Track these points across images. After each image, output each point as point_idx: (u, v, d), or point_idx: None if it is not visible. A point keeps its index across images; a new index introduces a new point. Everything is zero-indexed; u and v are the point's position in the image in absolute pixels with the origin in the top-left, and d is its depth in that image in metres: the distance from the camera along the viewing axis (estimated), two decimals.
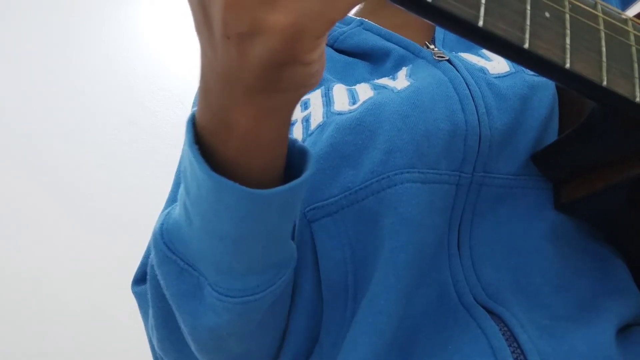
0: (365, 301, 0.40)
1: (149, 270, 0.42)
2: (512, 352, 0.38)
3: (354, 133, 0.42)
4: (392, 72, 0.50)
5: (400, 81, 0.47)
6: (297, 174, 0.35)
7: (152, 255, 0.40)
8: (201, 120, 0.33)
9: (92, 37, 1.80)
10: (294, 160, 0.37)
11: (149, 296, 0.44)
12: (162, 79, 1.76)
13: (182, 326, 0.41)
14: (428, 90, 0.43)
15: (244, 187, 0.32)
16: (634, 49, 0.33)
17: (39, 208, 1.58)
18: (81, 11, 1.81)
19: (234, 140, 0.32)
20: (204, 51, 0.30)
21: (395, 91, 0.45)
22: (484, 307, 0.41)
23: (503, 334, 0.39)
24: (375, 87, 0.47)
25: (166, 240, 0.39)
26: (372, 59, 0.53)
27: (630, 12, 0.38)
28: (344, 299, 0.42)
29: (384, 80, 0.48)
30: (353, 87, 0.48)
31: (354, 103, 0.45)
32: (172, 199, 0.49)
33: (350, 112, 0.44)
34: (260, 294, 0.37)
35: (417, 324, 0.41)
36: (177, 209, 0.40)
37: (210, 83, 0.31)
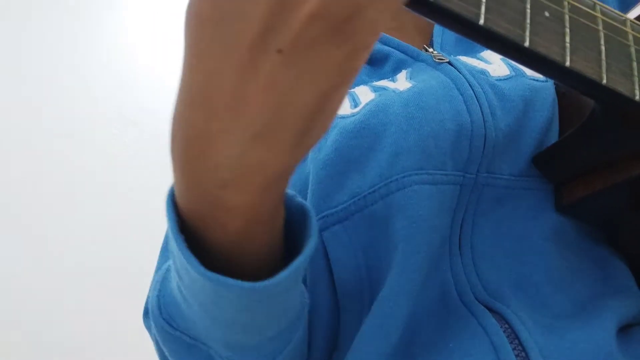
0: (375, 304, 0.40)
1: (152, 325, 0.39)
2: (514, 349, 0.38)
3: (359, 136, 0.42)
4: (390, 75, 0.49)
5: (401, 83, 0.46)
6: (298, 235, 0.31)
7: (154, 330, 0.38)
8: (185, 199, 0.27)
9: (92, 37, 1.79)
10: (293, 219, 0.32)
11: (152, 338, 0.42)
12: (163, 79, 1.76)
13: None
14: (432, 92, 0.43)
15: (245, 283, 0.28)
16: (632, 49, 0.34)
17: (39, 208, 1.58)
18: (81, 10, 1.81)
19: (235, 221, 0.26)
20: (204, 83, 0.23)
21: (397, 92, 0.44)
22: (485, 306, 0.41)
23: (504, 332, 0.39)
24: (376, 89, 0.46)
25: (166, 317, 0.37)
26: (370, 62, 0.52)
27: (631, 15, 0.38)
28: (361, 305, 0.42)
29: (384, 82, 0.48)
30: (352, 89, 0.48)
31: (355, 106, 0.45)
32: (164, 255, 0.46)
33: (353, 115, 0.44)
34: (278, 357, 0.36)
35: (420, 323, 0.41)
36: (173, 283, 0.35)
37: (210, 142, 0.23)
